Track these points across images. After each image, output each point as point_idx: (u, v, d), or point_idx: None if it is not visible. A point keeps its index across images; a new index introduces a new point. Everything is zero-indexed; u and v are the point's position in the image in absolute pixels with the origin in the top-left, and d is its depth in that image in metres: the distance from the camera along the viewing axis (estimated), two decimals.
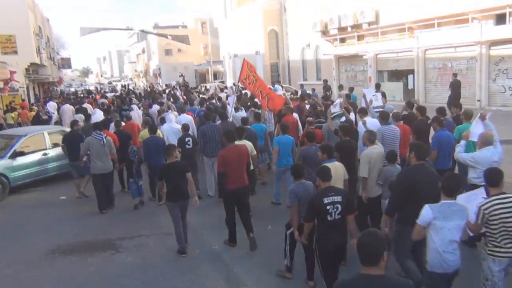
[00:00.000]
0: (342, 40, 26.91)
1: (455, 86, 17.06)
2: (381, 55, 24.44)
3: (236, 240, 6.98)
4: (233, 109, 12.45)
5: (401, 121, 8.35)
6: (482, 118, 6.38)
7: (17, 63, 27.35)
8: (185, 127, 9.71)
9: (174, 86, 35.49)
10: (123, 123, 11.13)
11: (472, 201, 4.44)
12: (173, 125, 10.74)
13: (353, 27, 25.23)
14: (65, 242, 7.68)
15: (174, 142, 9.31)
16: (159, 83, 52.19)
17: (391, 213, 5.16)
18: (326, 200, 4.72)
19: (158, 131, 10.01)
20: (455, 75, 17.80)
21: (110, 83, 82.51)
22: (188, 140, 9.27)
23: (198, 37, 60.35)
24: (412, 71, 22.23)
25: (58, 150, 11.87)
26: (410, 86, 22.65)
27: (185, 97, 19.90)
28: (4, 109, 21.72)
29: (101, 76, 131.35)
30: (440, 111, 8.18)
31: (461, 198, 4.51)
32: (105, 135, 9.37)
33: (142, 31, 58.57)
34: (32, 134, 11.82)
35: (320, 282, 5.13)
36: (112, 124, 11.20)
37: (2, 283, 6.34)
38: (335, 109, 9.79)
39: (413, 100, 11.28)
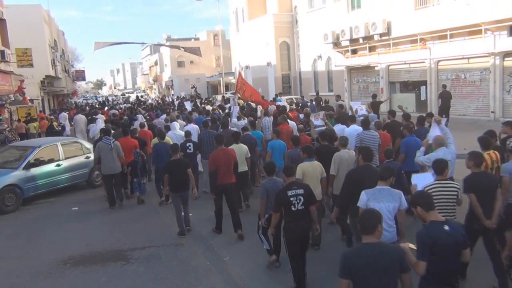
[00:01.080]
0: (354, 52, 26.90)
1: (444, 97, 17.62)
2: (393, 66, 24.36)
3: (222, 229, 8.12)
4: (235, 118, 13.41)
5: (383, 130, 9.27)
6: (438, 123, 7.36)
7: (32, 75, 27.85)
8: (187, 134, 10.69)
9: (183, 97, 37.29)
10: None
11: (423, 181, 5.39)
12: (177, 132, 11.98)
13: (364, 38, 25.21)
14: (76, 252, 7.70)
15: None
16: (172, 95, 52.59)
17: (340, 206, 6.05)
18: (289, 193, 5.47)
19: (167, 138, 10.93)
20: (444, 86, 18.43)
21: (123, 94, 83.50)
22: (189, 145, 10.23)
23: (210, 49, 60.89)
24: (424, 82, 22.10)
25: (71, 162, 12.04)
26: (422, 97, 22.51)
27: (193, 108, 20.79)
28: (23, 120, 22.40)
29: (115, 88, 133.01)
30: (419, 120, 9.29)
31: (416, 178, 5.65)
32: (113, 140, 10.33)
33: (156, 44, 59.42)
34: (46, 145, 11.94)
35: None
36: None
37: None
38: (317, 122, 10.77)
39: (399, 107, 12.19)
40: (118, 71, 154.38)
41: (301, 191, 5.49)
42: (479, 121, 18.06)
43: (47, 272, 6.97)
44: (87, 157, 12.49)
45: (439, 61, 21.04)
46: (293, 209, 5.44)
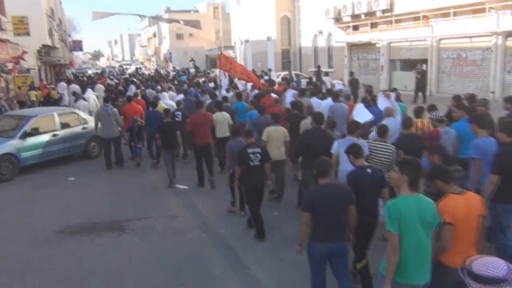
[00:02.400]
0: (355, 28, 26.57)
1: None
2: (394, 44, 24.11)
3: (204, 183, 9.40)
4: (224, 90, 14.49)
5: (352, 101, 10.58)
6: (387, 96, 8.65)
7: (29, 45, 27.37)
8: (177, 103, 11.71)
9: (178, 70, 39.31)
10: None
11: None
12: (167, 101, 12.91)
13: (366, 14, 24.88)
14: (73, 222, 7.73)
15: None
16: (173, 68, 52.18)
17: (294, 160, 7.19)
18: (249, 150, 6.63)
19: (160, 105, 11.78)
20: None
21: (121, 66, 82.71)
22: (178, 114, 10.90)
23: (210, 22, 60.00)
24: (425, 61, 21.93)
25: (68, 132, 11.99)
26: None
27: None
28: (27, 89, 22.54)
29: (112, 59, 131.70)
30: (367, 90, 11.38)
31: (340, 142, 6.34)
32: (111, 107, 11.44)
33: (154, 17, 58.28)
34: (42, 115, 11.86)
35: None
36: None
37: (10, 261, 6.41)
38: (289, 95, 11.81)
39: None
40: (116, 42, 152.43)
41: (258, 149, 6.69)
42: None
43: (44, 241, 7.01)
44: (84, 128, 12.42)
45: (441, 39, 20.82)
46: (251, 164, 6.57)
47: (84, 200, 9.06)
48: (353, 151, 5.10)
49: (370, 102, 9.36)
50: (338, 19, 27.66)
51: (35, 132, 11.23)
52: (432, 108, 7.67)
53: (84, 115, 13.16)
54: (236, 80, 16.48)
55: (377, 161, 6.20)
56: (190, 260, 6.14)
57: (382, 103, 8.48)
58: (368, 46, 26.29)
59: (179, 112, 11.00)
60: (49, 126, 11.67)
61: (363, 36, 25.91)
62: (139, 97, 13.90)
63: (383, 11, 23.60)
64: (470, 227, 3.74)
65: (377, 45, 25.30)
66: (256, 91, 12.88)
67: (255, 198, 6.73)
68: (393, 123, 7.42)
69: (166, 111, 10.10)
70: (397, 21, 22.83)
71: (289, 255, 5.63)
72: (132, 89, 17.86)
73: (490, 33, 17.78)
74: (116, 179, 10.61)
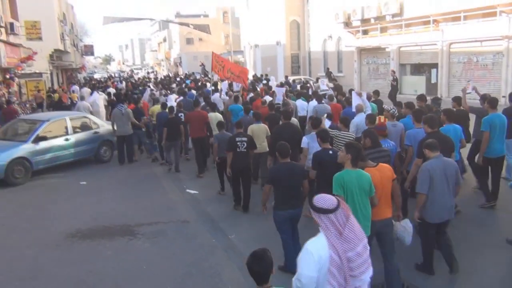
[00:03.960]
0: (365, 32, 26.53)
1: (393, 90, 18.75)
2: (404, 48, 24.03)
3: (203, 172, 10.80)
4: (224, 94, 15.56)
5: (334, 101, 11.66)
6: (359, 95, 9.99)
7: (41, 49, 27.69)
8: (179, 104, 12.45)
9: (186, 73, 42.15)
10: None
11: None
12: (172, 103, 13.42)
13: (376, 18, 24.84)
14: (84, 226, 7.81)
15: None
16: (183, 73, 52.50)
17: (271, 153, 8.21)
18: (237, 139, 8.03)
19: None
20: (394, 79, 19.76)
21: (131, 70, 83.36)
22: (181, 115, 11.70)
23: (220, 26, 60.24)
24: (435, 65, 21.81)
25: (79, 136, 12.12)
26: (433, 80, 22.25)
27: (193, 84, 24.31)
28: (33, 92, 23.17)
29: (123, 63, 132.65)
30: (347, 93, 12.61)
31: (308, 136, 7.47)
32: (125, 107, 12.40)
33: (164, 20, 58.81)
34: (55, 119, 12.01)
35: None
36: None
37: (22, 264, 6.49)
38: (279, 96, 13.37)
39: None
40: (126, 46, 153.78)
41: (245, 138, 8.10)
42: None
43: (55, 244, 7.09)
44: (96, 132, 12.56)
45: (451, 43, 20.72)
46: (238, 150, 7.98)
47: (95, 204, 9.15)
48: (321, 135, 6.36)
49: (345, 103, 11.10)
50: (347, 24, 27.65)
51: (47, 136, 11.38)
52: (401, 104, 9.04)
53: (95, 119, 13.30)
54: (218, 80, 18.25)
55: (341, 145, 6.93)
56: (201, 265, 6.16)
57: (355, 100, 9.77)
58: (377, 50, 26.23)
59: (182, 114, 11.78)
60: (61, 131, 11.84)
61: (372, 40, 25.87)
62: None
63: (393, 16, 23.56)
64: (384, 190, 4.88)
65: (386, 50, 25.24)
66: (252, 95, 14.02)
67: (239, 179, 8.13)
68: (363, 118, 8.37)
69: (170, 108, 11.37)
70: (407, 25, 22.76)
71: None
72: (148, 92, 19.19)
73: (501, 37, 17.66)
74: (127, 183, 10.69)
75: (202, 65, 44.19)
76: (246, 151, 8.02)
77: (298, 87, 20.17)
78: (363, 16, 25.59)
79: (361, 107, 9.21)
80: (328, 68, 26.61)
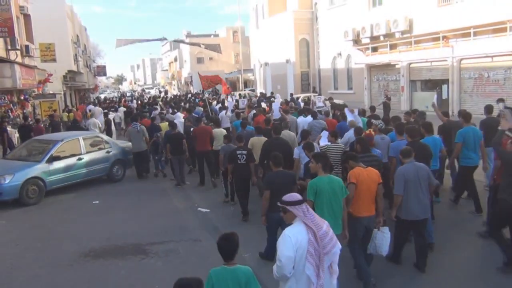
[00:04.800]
0: (374, 49, 26.64)
1: (386, 107, 18.52)
2: (414, 64, 24.04)
3: (204, 183, 11.68)
4: (230, 111, 16.45)
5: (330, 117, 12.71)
6: (351, 112, 11.24)
7: (55, 70, 28.30)
8: (190, 120, 13.62)
9: (196, 92, 43.65)
10: None
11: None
12: (180, 120, 14.64)
13: (385, 36, 24.95)
14: (97, 245, 7.84)
15: (181, 129, 13.22)
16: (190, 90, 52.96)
17: (261, 164, 8.87)
18: (238, 152, 8.83)
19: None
20: (388, 97, 19.60)
21: (143, 90, 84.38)
22: (190, 131, 12.52)
23: (230, 45, 60.94)
24: (446, 81, 21.76)
25: (92, 156, 12.25)
26: (444, 96, 22.17)
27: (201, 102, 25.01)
28: (48, 112, 23.65)
29: (135, 83, 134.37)
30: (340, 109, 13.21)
31: (299, 148, 8.22)
32: (139, 124, 13.07)
33: (176, 40, 59.59)
34: (68, 139, 12.17)
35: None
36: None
37: (35, 284, 6.51)
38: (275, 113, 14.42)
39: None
40: (138, 66, 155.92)
41: (245, 152, 8.84)
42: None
43: (69, 264, 7.12)
44: (108, 152, 12.69)
45: (461, 59, 20.69)
46: (239, 162, 8.75)
47: (108, 223, 9.19)
48: (308, 146, 7.29)
49: (340, 118, 11.66)
50: (357, 41, 27.81)
51: (61, 156, 11.52)
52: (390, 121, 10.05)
53: (108, 139, 13.46)
54: (226, 99, 20.06)
55: (333, 156, 7.64)
56: None
57: (348, 117, 10.90)
58: (387, 67, 26.27)
59: (192, 128, 12.71)
60: (74, 150, 11.97)
61: (382, 57, 25.94)
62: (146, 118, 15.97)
63: (402, 32, 23.65)
64: (370, 190, 5.59)
65: (396, 66, 25.27)
66: (254, 112, 15.24)
67: (242, 188, 8.86)
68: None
69: (172, 124, 12.12)
70: (417, 41, 22.83)
71: None
72: (158, 110, 19.99)
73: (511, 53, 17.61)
74: (139, 202, 10.74)
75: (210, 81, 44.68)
76: (246, 163, 8.73)
77: (302, 104, 21.13)
78: (372, 34, 25.73)
79: (354, 122, 10.02)
80: (292, 94, 29.07)
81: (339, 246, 3.82)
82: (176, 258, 7.15)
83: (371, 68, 27.97)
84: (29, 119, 20.29)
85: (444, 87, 22.14)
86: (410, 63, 24.14)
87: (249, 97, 29.73)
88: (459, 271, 6.25)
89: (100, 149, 12.65)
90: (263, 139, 9.52)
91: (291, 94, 28.53)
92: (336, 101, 23.39)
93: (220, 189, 10.59)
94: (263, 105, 19.08)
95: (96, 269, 6.91)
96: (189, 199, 10.69)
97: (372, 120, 9.87)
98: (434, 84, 23.12)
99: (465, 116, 8.49)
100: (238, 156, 8.75)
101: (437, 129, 9.39)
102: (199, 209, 9.74)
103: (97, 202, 10.88)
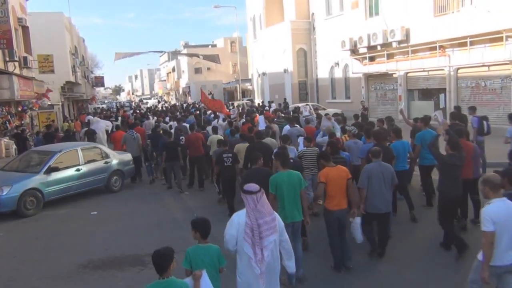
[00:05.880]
0: (372, 59, 26.76)
1: (363, 118, 18.18)
2: (411, 74, 24.15)
3: (193, 184, 12.80)
4: (221, 119, 17.48)
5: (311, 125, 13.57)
6: (328, 119, 11.72)
7: (53, 81, 28.34)
8: (181, 129, 14.66)
9: (193, 102, 44.59)
10: None
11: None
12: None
13: (382, 45, 25.07)
14: (95, 257, 7.79)
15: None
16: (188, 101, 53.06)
17: (245, 166, 9.12)
18: (224, 155, 9.81)
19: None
20: (365, 108, 20.67)
21: (141, 100, 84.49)
22: (182, 138, 13.24)
23: (227, 56, 61.24)
24: (443, 90, 21.85)
25: (91, 166, 12.22)
26: (441, 105, 22.24)
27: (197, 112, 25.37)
28: (44, 124, 23.65)
29: (133, 94, 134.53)
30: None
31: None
32: (135, 132, 14.14)
33: (174, 52, 59.90)
34: (66, 150, 12.14)
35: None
36: None
37: None
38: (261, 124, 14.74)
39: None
40: (136, 77, 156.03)
41: (230, 155, 9.80)
42: (499, 130, 17.71)
43: (67, 276, 7.06)
44: (106, 162, 12.66)
45: (458, 68, 20.79)
46: (225, 164, 9.73)
47: (106, 233, 9.15)
48: (280, 156, 7.44)
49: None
50: (354, 51, 27.94)
51: (59, 167, 11.47)
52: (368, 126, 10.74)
53: (106, 149, 13.45)
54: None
55: (308, 159, 9.02)
56: None
57: (325, 124, 11.50)
58: (385, 76, 26.38)
59: (183, 137, 13.35)
60: (72, 161, 11.93)
61: (379, 66, 26.06)
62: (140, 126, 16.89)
63: (399, 42, 23.77)
64: (340, 186, 6.39)
65: (394, 75, 25.38)
66: (243, 120, 16.37)
67: (229, 189, 9.79)
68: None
69: (165, 132, 13.72)
70: (414, 51, 22.95)
71: None
72: (150, 120, 20.63)
73: (508, 62, 17.71)
74: (138, 213, 10.69)
75: (211, 93, 44.70)
76: (232, 165, 9.71)
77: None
78: (369, 43, 25.86)
79: (330, 128, 10.88)
80: (285, 99, 30.83)
81: (274, 236, 4.43)
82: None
83: (369, 77, 28.09)
84: (27, 130, 20.25)
85: (441, 96, 22.23)
86: (407, 72, 24.25)
87: (244, 106, 30.80)
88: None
89: (98, 159, 12.62)
90: (247, 144, 10.20)
91: (285, 99, 32.67)
92: (332, 110, 24.64)
93: (213, 193, 11.54)
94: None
95: (95, 281, 6.86)
96: (188, 209, 10.60)
97: (346, 126, 11.18)
98: (432, 93, 23.22)
99: (424, 120, 9.57)
100: (225, 159, 9.73)
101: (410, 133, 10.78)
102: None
103: (95, 212, 10.84)
